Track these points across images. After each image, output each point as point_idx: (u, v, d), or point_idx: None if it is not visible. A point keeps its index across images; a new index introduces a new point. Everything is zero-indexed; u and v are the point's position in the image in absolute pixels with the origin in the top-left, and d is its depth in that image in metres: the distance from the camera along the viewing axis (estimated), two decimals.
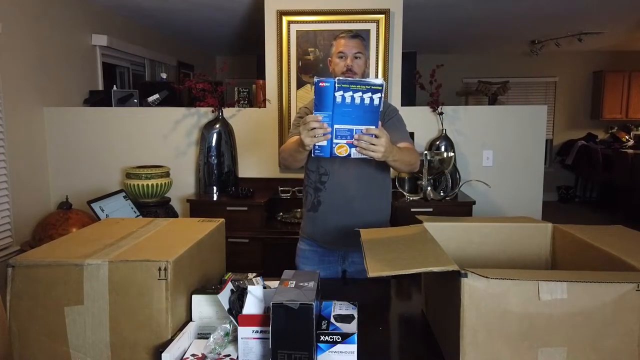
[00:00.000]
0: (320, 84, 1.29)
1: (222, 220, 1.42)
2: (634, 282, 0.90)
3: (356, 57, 1.74)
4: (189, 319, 1.11)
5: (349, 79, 1.32)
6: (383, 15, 3.08)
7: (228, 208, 2.89)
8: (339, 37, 1.79)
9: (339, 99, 1.29)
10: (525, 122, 3.20)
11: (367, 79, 1.30)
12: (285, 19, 3.14)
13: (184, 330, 1.04)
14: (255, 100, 3.36)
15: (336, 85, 1.28)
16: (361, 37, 1.80)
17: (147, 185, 2.87)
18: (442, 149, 3.07)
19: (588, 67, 6.94)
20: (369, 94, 1.29)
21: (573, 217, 6.04)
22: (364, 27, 3.10)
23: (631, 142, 6.53)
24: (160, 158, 3.27)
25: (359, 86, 1.28)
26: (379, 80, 1.29)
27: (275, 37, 3.16)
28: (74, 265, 1.01)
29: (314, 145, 1.35)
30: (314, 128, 1.33)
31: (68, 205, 2.75)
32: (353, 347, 0.95)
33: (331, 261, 1.83)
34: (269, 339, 0.93)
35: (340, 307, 1.07)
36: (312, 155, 1.40)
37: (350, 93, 1.28)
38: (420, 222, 1.33)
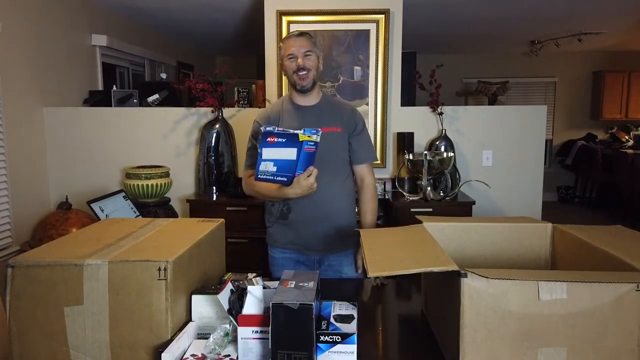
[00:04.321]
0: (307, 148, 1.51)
1: (222, 220, 1.42)
2: (634, 282, 0.90)
3: (306, 55, 1.72)
4: (189, 319, 1.11)
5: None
6: (383, 16, 3.08)
7: (228, 208, 2.89)
8: (285, 39, 1.77)
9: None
10: (525, 122, 3.20)
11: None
12: (285, 19, 3.14)
13: (183, 331, 1.04)
14: (255, 100, 3.36)
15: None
16: (308, 34, 1.76)
17: (147, 185, 2.87)
18: (442, 149, 3.07)
19: (588, 67, 6.94)
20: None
21: (573, 217, 6.04)
22: (364, 27, 3.10)
23: (631, 142, 6.53)
24: (160, 158, 3.27)
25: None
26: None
27: (275, 37, 3.16)
28: (73, 265, 1.01)
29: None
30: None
31: (68, 205, 2.75)
32: (353, 347, 0.95)
33: (307, 266, 1.83)
34: (268, 339, 0.93)
35: (340, 307, 1.07)
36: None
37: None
38: (420, 222, 1.33)
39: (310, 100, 1.80)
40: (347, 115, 1.81)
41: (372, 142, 1.92)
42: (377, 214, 1.88)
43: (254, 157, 1.74)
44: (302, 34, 1.74)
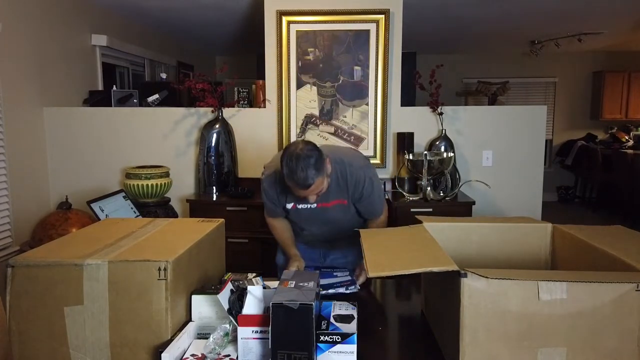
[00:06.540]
0: None
1: (221, 220, 1.42)
2: (634, 282, 0.90)
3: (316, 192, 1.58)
4: (189, 319, 1.11)
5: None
6: (383, 16, 3.08)
7: (228, 208, 2.89)
8: (294, 188, 1.53)
9: None
10: (525, 122, 3.20)
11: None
12: (285, 19, 3.13)
13: (183, 331, 1.04)
14: (255, 100, 3.36)
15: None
16: (314, 171, 1.48)
17: (147, 185, 2.87)
18: (442, 149, 3.07)
19: (588, 68, 6.94)
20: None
21: (573, 217, 6.04)
22: (363, 27, 3.10)
23: (631, 143, 6.53)
24: (160, 158, 3.27)
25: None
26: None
27: (275, 37, 3.16)
28: (73, 265, 1.01)
29: None
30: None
31: (68, 205, 2.75)
32: (353, 347, 0.95)
33: (312, 258, 1.91)
34: (268, 339, 0.93)
35: (340, 307, 1.07)
36: None
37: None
38: (420, 222, 1.33)
39: None
40: (352, 190, 1.72)
41: (381, 194, 1.84)
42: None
43: (269, 205, 1.81)
44: (308, 185, 1.49)
